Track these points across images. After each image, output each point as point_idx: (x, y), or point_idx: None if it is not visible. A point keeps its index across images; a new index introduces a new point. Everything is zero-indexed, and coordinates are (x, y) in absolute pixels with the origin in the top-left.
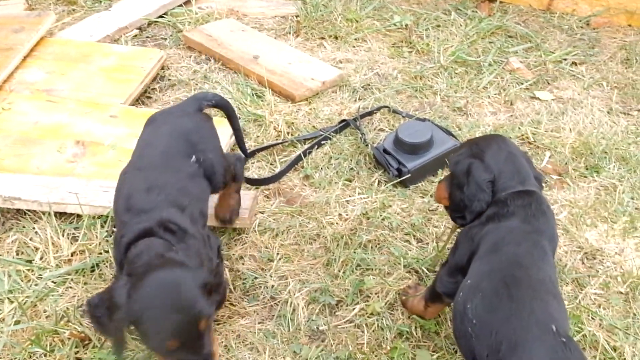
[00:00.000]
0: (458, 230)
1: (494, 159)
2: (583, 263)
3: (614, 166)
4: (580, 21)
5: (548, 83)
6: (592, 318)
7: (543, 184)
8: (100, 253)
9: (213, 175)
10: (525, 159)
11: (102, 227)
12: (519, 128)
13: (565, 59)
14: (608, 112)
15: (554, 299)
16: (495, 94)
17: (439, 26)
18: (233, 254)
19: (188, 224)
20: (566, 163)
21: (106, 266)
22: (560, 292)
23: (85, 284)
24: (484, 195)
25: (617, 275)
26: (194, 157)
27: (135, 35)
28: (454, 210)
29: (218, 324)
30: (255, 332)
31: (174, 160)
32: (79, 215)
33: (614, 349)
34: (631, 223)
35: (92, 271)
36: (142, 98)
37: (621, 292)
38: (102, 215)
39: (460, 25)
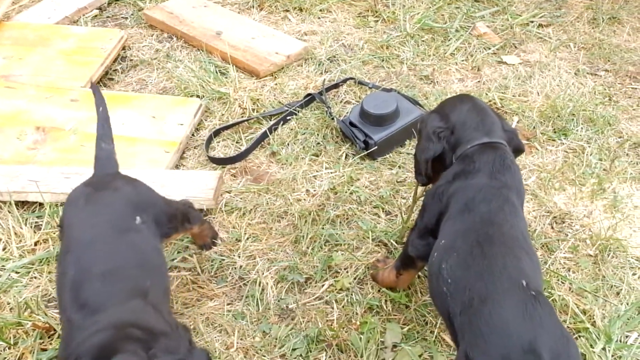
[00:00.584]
0: (420, 200)
1: (453, 110)
2: (552, 228)
3: (582, 128)
4: None
5: (515, 47)
6: (562, 282)
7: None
8: None
9: (157, 226)
10: (494, 113)
11: None
12: (486, 94)
13: (532, 21)
14: (575, 74)
15: (526, 255)
16: (462, 60)
17: None
18: None
19: (153, 318)
20: (534, 127)
21: None
22: (533, 248)
23: (49, 272)
24: (431, 144)
25: (586, 238)
26: (138, 218)
27: (96, 16)
28: (416, 170)
29: (186, 308)
30: (224, 314)
31: (124, 229)
32: (41, 204)
33: (584, 312)
34: (599, 185)
35: (57, 260)
36: (104, 80)
37: (590, 255)
38: (64, 203)
39: None
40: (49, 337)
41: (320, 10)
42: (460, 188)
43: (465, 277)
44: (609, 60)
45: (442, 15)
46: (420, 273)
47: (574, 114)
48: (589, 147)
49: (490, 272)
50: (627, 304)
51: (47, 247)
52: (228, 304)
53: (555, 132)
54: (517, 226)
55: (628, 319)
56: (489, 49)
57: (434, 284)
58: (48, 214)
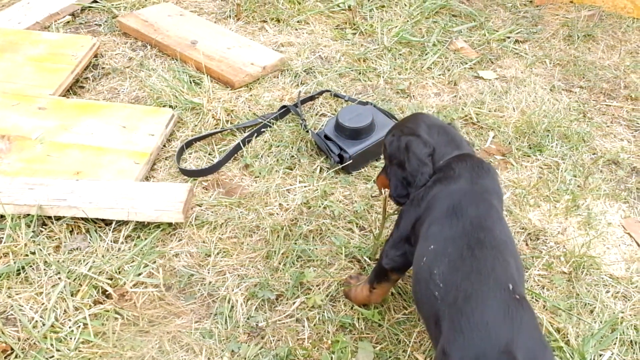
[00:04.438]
0: (392, 215)
1: (428, 133)
2: (527, 244)
3: (557, 144)
4: None
5: (492, 62)
6: (536, 300)
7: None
8: (27, 255)
9: None
10: (454, 128)
11: (28, 227)
12: (462, 109)
13: (508, 37)
14: (551, 90)
15: (514, 260)
16: (439, 75)
17: (383, 6)
18: (169, 251)
19: None
20: (509, 143)
21: (32, 269)
22: (518, 254)
23: (9, 288)
24: (426, 168)
25: (560, 255)
26: None
27: (68, 22)
28: (397, 192)
29: (152, 325)
30: (191, 332)
31: None
32: (2, 216)
33: (558, 330)
34: (573, 201)
35: (18, 274)
36: (75, 88)
37: (564, 272)
38: (27, 215)
39: (405, 5)
40: (5, 358)
41: (298, 22)
42: (442, 192)
43: (455, 279)
44: (583, 77)
45: (420, 29)
46: (393, 290)
47: (549, 130)
48: (564, 163)
49: (478, 272)
50: (601, 322)
51: (7, 261)
52: (196, 322)
53: (530, 148)
54: (505, 230)
55: (601, 338)
56: (466, 63)
57: (422, 289)
58: (10, 226)
